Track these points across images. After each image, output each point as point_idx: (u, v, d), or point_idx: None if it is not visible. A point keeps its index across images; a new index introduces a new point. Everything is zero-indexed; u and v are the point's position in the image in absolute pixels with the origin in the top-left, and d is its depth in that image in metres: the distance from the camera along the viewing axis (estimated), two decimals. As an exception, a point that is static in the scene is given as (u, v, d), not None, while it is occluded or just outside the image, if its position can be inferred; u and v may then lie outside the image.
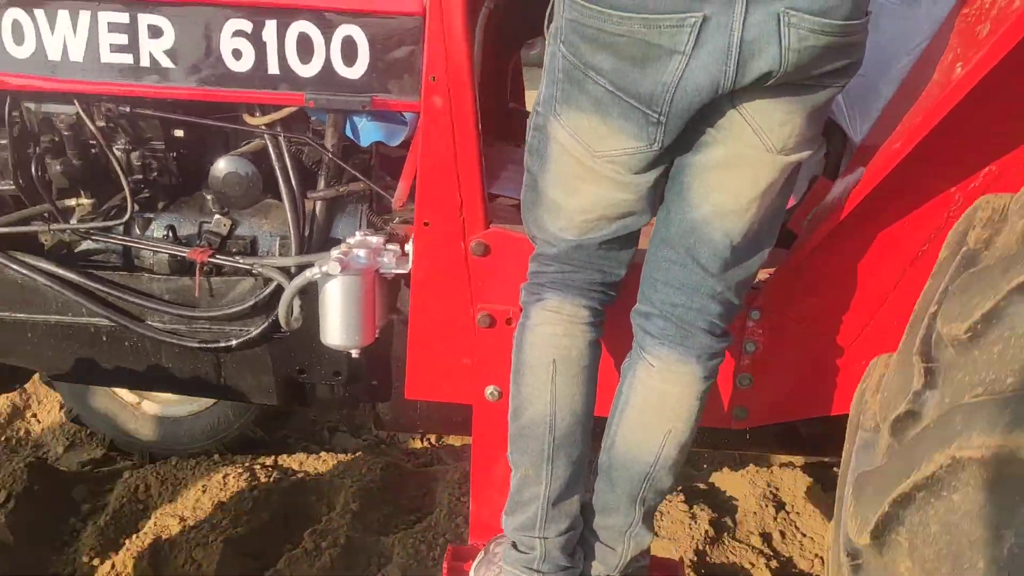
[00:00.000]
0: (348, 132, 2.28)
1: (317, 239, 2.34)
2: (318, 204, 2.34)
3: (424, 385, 2.12)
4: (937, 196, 1.75)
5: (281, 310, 2.15)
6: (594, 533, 1.85)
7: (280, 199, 2.33)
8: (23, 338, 2.48)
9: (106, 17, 2.17)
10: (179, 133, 2.38)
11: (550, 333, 1.78)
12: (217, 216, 2.43)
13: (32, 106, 2.33)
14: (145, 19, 2.17)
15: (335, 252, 2.06)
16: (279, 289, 2.32)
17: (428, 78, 1.91)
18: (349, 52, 2.15)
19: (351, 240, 2.17)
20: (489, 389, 2.05)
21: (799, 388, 2.04)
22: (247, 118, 2.32)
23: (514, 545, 1.83)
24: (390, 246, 2.14)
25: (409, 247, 2.08)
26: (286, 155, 2.31)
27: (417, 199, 2.00)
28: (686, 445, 1.78)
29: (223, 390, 2.52)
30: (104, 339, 2.46)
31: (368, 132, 2.26)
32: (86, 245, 2.47)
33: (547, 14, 1.69)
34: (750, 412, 2.05)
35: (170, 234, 2.43)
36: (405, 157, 2.32)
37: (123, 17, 2.17)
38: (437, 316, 2.05)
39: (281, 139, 2.30)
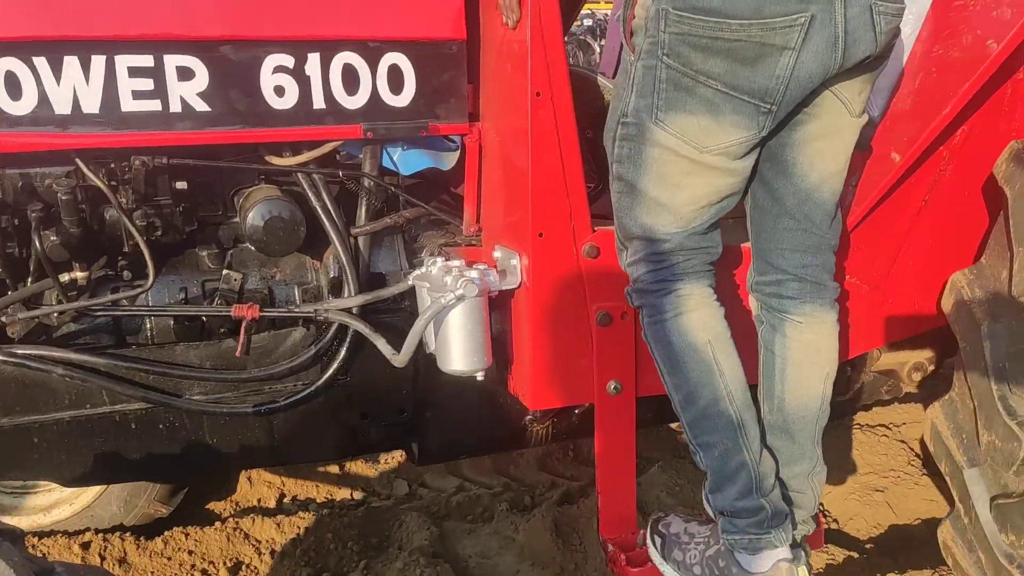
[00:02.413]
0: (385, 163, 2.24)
1: (363, 276, 2.26)
2: (360, 240, 2.26)
3: (549, 394, 2.15)
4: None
5: (411, 344, 2.05)
6: (785, 484, 2.01)
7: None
8: (28, 445, 2.11)
9: (125, 61, 1.95)
10: (181, 185, 2.18)
11: (696, 318, 1.91)
12: (226, 272, 2.25)
13: (12, 171, 2.02)
14: (173, 60, 1.98)
15: (462, 277, 2.02)
16: (342, 333, 2.22)
17: (534, 94, 1.96)
18: (395, 81, 2.13)
19: (434, 265, 2.13)
20: (612, 384, 2.13)
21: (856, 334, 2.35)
22: (273, 160, 2.19)
23: (732, 515, 1.94)
24: (477, 267, 2.13)
25: (516, 263, 2.09)
26: (324, 194, 2.21)
27: (532, 212, 2.03)
28: (833, 379, 2.03)
29: (274, 455, 2.33)
30: (133, 427, 2.17)
31: (411, 160, 2.24)
32: (88, 323, 2.17)
33: (625, 39, 1.87)
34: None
35: (184, 297, 2.22)
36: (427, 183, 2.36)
37: (146, 60, 1.96)
38: (556, 323, 2.10)
39: (313, 177, 2.20)
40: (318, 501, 3.83)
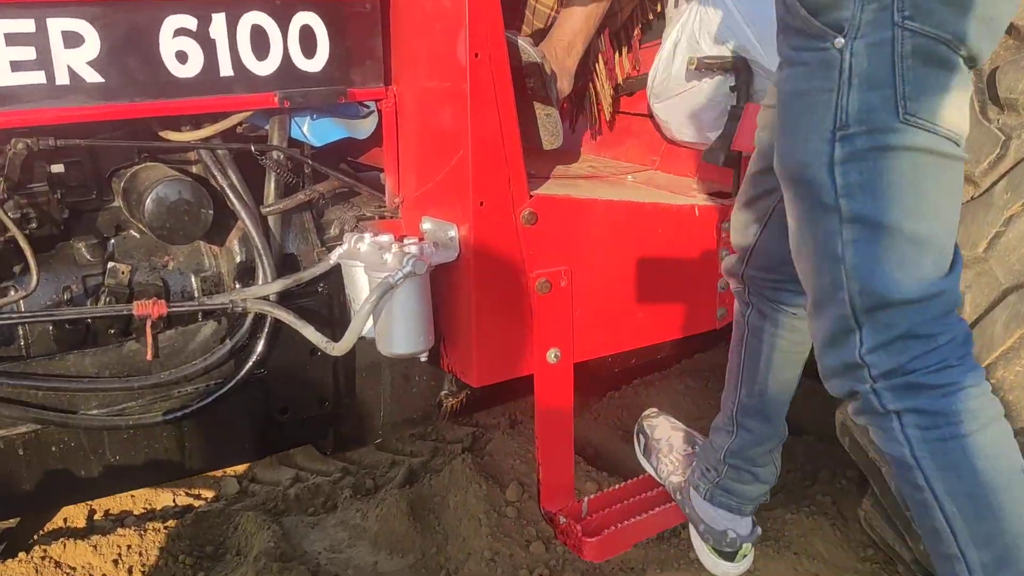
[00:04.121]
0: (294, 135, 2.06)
1: (276, 259, 2.07)
2: (271, 220, 2.06)
3: (492, 369, 2.07)
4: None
5: (356, 330, 1.88)
6: (752, 461, 2.03)
7: None
8: None
9: (1, 27, 1.64)
10: (57, 169, 1.89)
11: (1005, 428, 1.43)
12: (112, 265, 1.98)
13: None
14: (57, 24, 1.70)
15: (406, 253, 1.89)
16: (258, 323, 2.03)
17: (472, 55, 1.86)
18: (308, 43, 1.95)
19: (362, 242, 1.99)
20: (552, 353, 2.10)
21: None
22: (170, 135, 1.94)
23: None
24: (412, 241, 2.01)
25: (453, 234, 1.99)
26: (231, 172, 1.99)
27: (473, 180, 1.93)
28: None
29: (187, 465, 2.07)
30: (21, 452, 1.86)
31: (324, 130, 2.07)
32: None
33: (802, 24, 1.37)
34: (728, 311, 2.42)
35: (69, 297, 1.92)
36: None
37: (26, 25, 1.67)
38: (497, 295, 2.02)
39: (218, 153, 1.98)
40: (135, 514, 3.50)
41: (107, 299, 1.94)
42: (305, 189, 2.08)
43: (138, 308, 1.88)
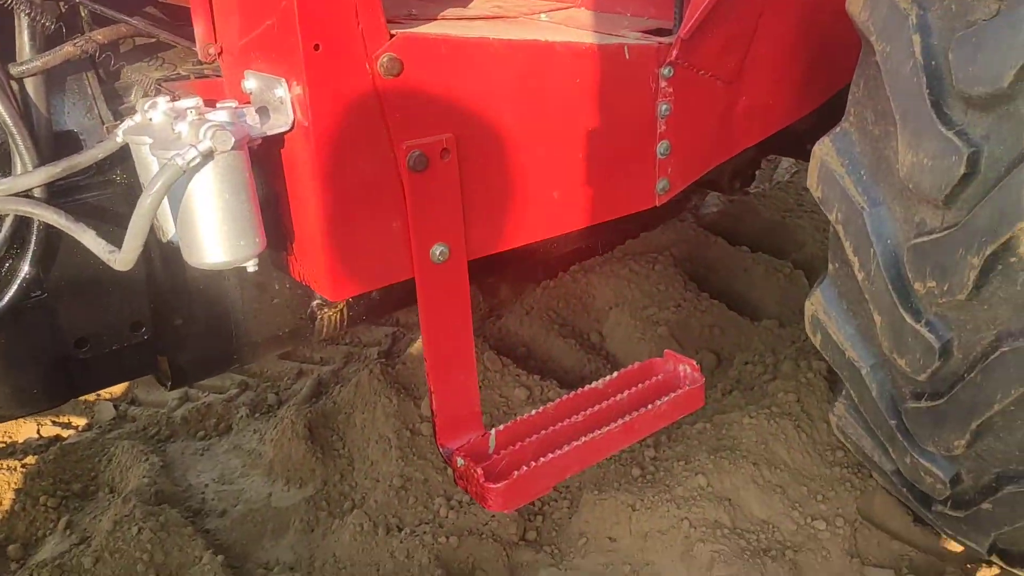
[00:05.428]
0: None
1: (43, 139, 1.48)
2: (30, 84, 1.47)
3: (354, 277, 1.52)
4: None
5: (136, 236, 1.31)
6: None
7: None
8: None
9: None
10: None
11: None
12: None
13: None
14: None
15: (206, 122, 1.30)
16: (22, 229, 1.47)
17: None
18: None
19: (155, 109, 1.41)
20: (436, 249, 1.56)
21: (712, 140, 1.93)
22: None
23: None
24: (225, 105, 1.43)
25: (283, 93, 1.41)
26: None
27: (299, 10, 1.34)
28: None
29: None
30: None
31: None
32: None
33: None
34: (671, 182, 1.89)
35: None
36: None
37: None
38: (351, 175, 1.46)
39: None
40: (-9, 449, 3.02)
41: None
42: (74, 39, 1.48)
43: None
